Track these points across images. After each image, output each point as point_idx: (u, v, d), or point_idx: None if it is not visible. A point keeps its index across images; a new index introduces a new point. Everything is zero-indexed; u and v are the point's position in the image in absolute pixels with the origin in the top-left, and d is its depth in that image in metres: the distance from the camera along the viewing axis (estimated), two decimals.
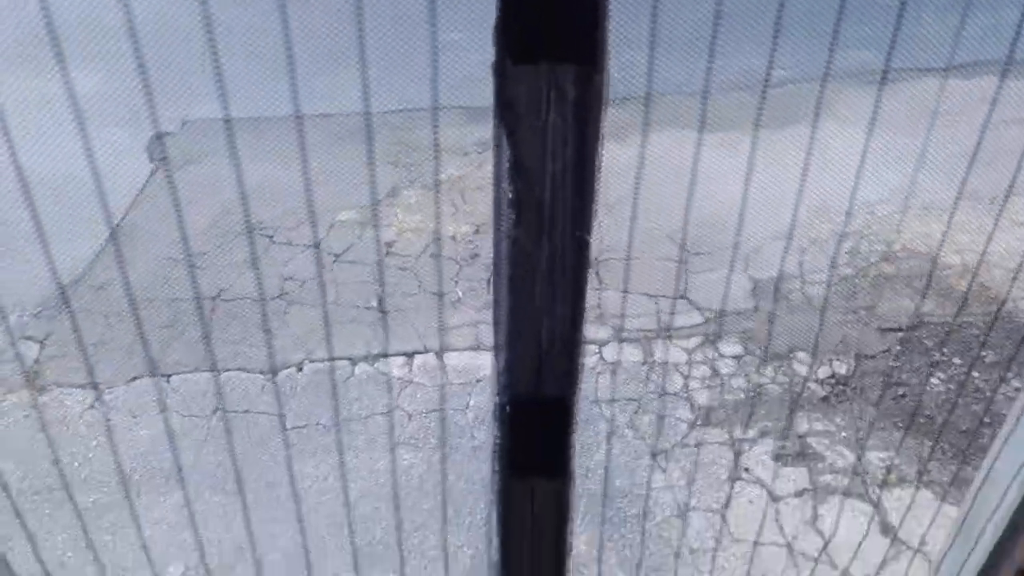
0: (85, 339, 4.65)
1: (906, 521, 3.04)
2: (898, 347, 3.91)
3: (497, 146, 0.72)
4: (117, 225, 5.61)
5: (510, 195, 0.71)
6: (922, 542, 2.88)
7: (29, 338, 4.73)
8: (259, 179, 5.67)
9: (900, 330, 4.04)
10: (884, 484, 3.21)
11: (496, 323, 0.76)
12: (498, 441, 0.76)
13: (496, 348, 0.75)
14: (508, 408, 0.74)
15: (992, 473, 0.97)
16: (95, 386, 4.39)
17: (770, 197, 4.93)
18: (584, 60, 0.67)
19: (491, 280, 0.79)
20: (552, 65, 0.68)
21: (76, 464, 3.92)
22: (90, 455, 3.95)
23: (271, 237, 5.39)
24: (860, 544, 2.92)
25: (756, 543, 3.05)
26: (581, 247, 0.75)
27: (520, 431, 0.74)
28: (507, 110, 0.69)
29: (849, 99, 6.10)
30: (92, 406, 4.26)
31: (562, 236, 0.74)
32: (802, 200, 4.80)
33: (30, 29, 7.62)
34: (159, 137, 6.54)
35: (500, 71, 0.69)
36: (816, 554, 2.95)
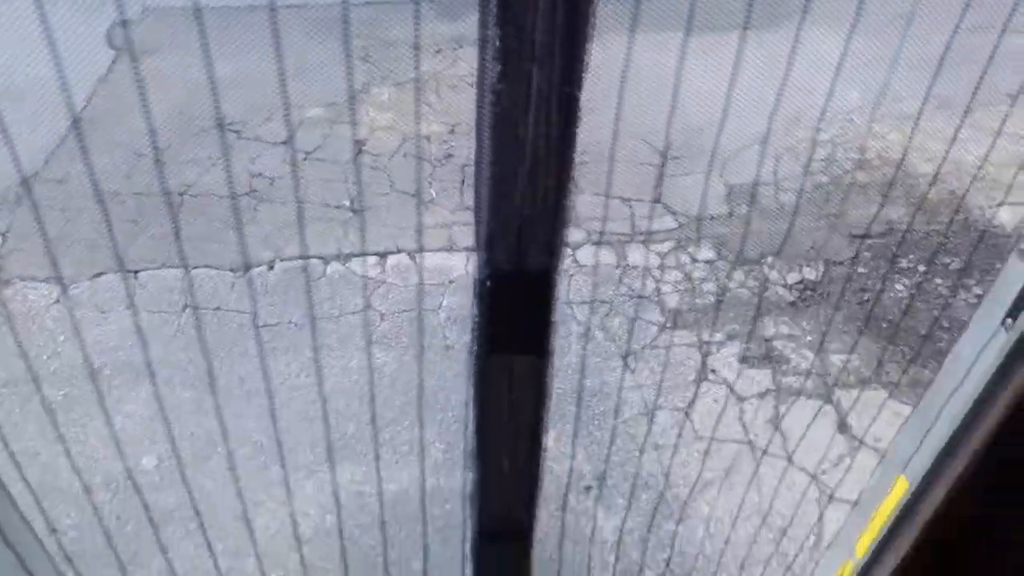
0: (47, 233, 4.54)
1: (862, 419, 3.15)
2: (866, 254, 3.96)
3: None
4: (76, 117, 5.41)
5: (496, 43, 0.67)
6: (876, 439, 3.00)
7: None
8: (225, 73, 5.46)
9: (869, 237, 4.08)
10: (844, 385, 3.31)
11: (478, 194, 0.73)
12: (477, 318, 0.75)
13: (477, 220, 0.73)
14: (488, 283, 0.72)
15: (953, 360, 0.98)
16: (59, 280, 4.31)
17: (748, 103, 4.86)
18: None
19: (475, 159, 0.76)
20: None
21: (45, 357, 3.89)
22: (58, 349, 3.92)
23: (238, 132, 5.24)
24: (817, 440, 3.03)
25: (718, 440, 3.15)
26: (570, 105, 0.71)
27: (500, 306, 0.72)
28: None
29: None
30: (58, 300, 4.20)
31: (550, 92, 0.70)
32: (780, 107, 4.75)
33: None
34: (121, 24, 6.24)
35: None
36: (775, 450, 3.06)
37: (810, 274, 3.93)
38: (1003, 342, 0.86)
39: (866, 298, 3.80)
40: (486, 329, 0.74)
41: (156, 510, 3.06)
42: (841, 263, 3.96)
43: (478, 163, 0.73)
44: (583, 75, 0.71)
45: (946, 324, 3.55)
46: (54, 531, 2.98)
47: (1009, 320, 0.85)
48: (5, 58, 5.12)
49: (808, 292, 3.83)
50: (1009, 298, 0.85)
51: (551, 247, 0.75)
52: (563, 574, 2.73)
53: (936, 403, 1.00)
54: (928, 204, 4.20)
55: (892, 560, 1.06)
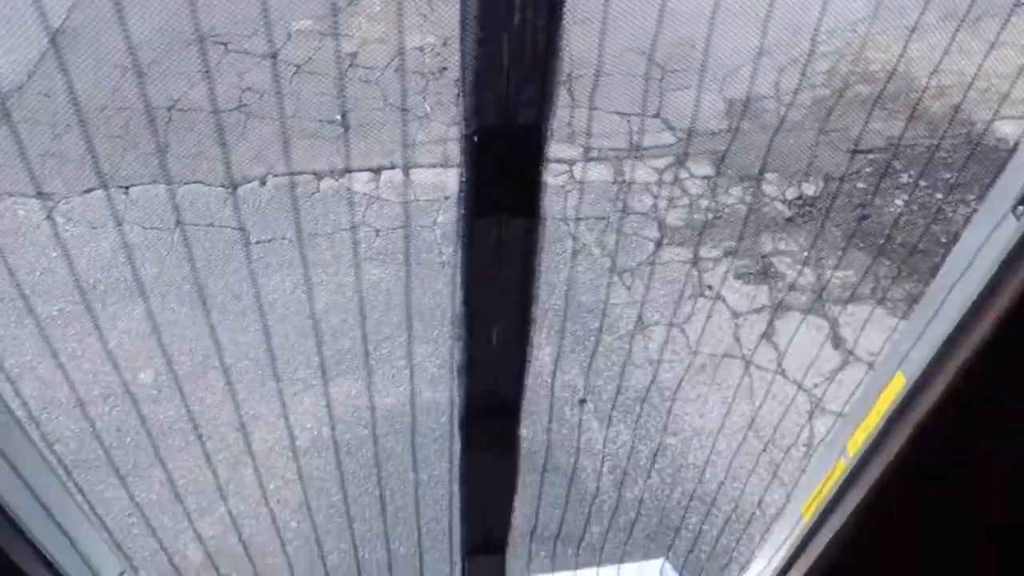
0: (34, 149, 4.45)
1: (857, 334, 3.16)
2: (866, 169, 3.91)
3: None
4: (58, 29, 5.24)
5: None
6: (870, 353, 3.01)
7: None
8: None
9: (869, 152, 4.02)
10: (839, 300, 3.31)
11: (464, 44, 0.69)
12: (464, 177, 0.71)
13: (463, 68, 0.69)
14: (475, 138, 0.68)
15: (958, 250, 0.95)
16: (49, 196, 4.25)
17: (750, 14, 4.71)
18: None
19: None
20: None
21: (37, 274, 3.86)
22: (51, 265, 3.90)
23: (225, 45, 5.09)
24: (810, 355, 3.04)
25: (713, 355, 3.16)
26: None
27: (488, 163, 0.69)
28: None
29: None
30: (48, 217, 4.15)
31: None
32: (781, 18, 4.61)
33: None
34: None
35: None
36: (768, 365, 3.08)
37: (808, 190, 3.88)
38: (1012, 230, 0.83)
39: (864, 214, 3.76)
40: (474, 188, 0.71)
41: (154, 423, 3.09)
42: (840, 178, 3.91)
43: (464, 13, 0.68)
44: None
45: (943, 239, 3.53)
46: (45, 443, 3.02)
47: (1020, 207, 0.82)
48: None
49: (806, 208, 3.79)
50: (1019, 184, 0.82)
51: (541, 100, 0.71)
52: (555, 484, 2.78)
53: (938, 295, 0.98)
54: (930, 118, 4.12)
55: (885, 458, 1.06)
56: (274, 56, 5.10)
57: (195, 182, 4.28)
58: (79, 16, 5.36)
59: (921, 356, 1.01)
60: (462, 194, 0.71)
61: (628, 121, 4.34)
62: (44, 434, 3.07)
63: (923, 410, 1.01)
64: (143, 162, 4.38)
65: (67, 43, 5.23)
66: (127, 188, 4.25)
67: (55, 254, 3.98)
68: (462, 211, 0.72)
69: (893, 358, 1.10)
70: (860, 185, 3.87)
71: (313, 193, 4.23)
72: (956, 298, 0.93)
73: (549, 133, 0.74)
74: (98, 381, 3.31)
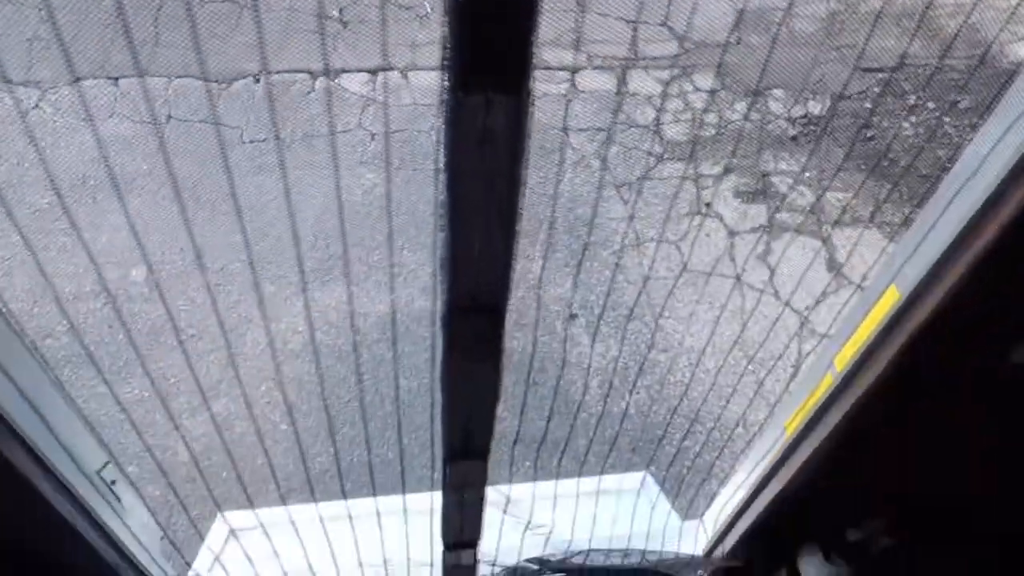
0: (20, 33, 4.31)
1: (854, 260, 3.15)
2: (876, 89, 3.81)
3: None
4: None
5: None
6: (868, 279, 3.00)
7: None
8: None
9: (881, 71, 3.91)
10: (839, 224, 3.28)
11: None
12: (446, 48, 0.67)
13: None
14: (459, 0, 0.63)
15: (964, 159, 0.91)
16: (35, 84, 4.13)
17: None
18: None
19: None
20: None
21: (26, 165, 3.80)
22: (40, 157, 3.83)
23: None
24: (806, 278, 3.04)
25: (708, 274, 3.15)
26: None
27: (471, 30, 0.64)
28: None
29: None
30: (37, 105, 4.05)
31: None
32: None
33: None
34: None
35: None
36: (763, 286, 3.07)
37: (815, 108, 3.80)
38: (1018, 143, 0.79)
39: (871, 135, 3.69)
40: (457, 60, 0.66)
41: (145, 322, 3.10)
42: (848, 97, 3.82)
43: None
44: None
45: (948, 164, 3.46)
46: (37, 337, 3.03)
47: None
48: None
49: (811, 127, 3.71)
50: None
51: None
52: (542, 395, 2.81)
53: (937, 207, 0.94)
54: (945, 37, 3.99)
55: (872, 373, 1.04)
56: None
57: (187, 76, 4.16)
58: None
59: (915, 271, 0.98)
60: (445, 64, 0.66)
61: (633, 28, 4.20)
62: (37, 327, 3.08)
63: (915, 325, 0.99)
64: (134, 52, 4.24)
65: None
66: (116, 79, 4.13)
67: (44, 144, 3.90)
68: (444, 85, 0.67)
69: (886, 273, 1.07)
70: (867, 105, 3.78)
71: (308, 92, 4.12)
72: (954, 213, 0.90)
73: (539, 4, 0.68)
74: (89, 277, 3.30)
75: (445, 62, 0.70)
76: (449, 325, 0.93)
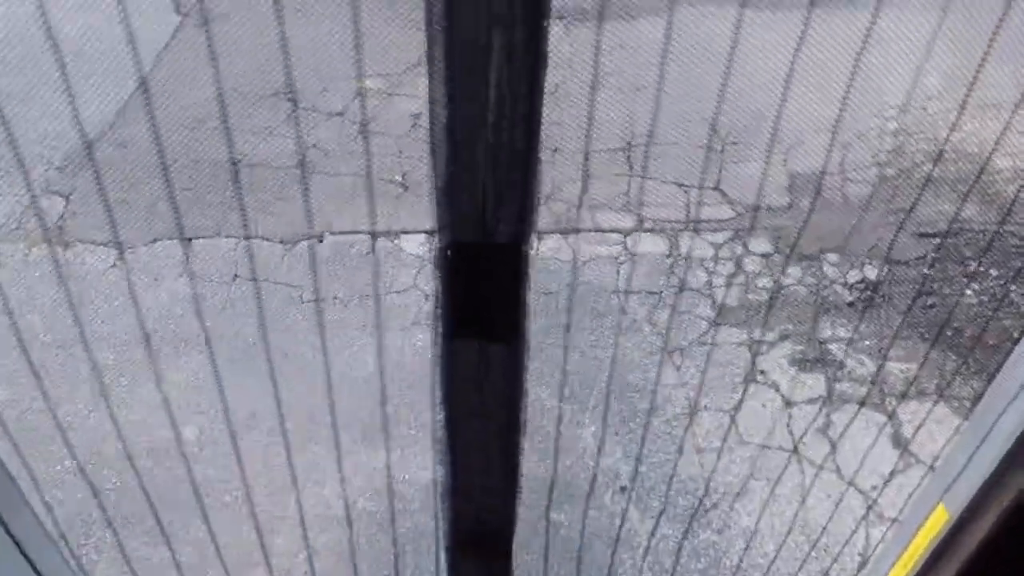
0: (108, 197, 4.62)
1: (920, 435, 2.99)
2: (934, 254, 3.75)
3: None
4: (143, 80, 5.47)
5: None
6: (935, 457, 2.85)
7: (55, 192, 4.72)
8: (293, 40, 5.45)
9: (938, 236, 3.87)
10: (902, 396, 3.15)
11: (434, 151, 0.65)
12: (439, 296, 0.66)
13: (436, 183, 0.64)
14: (450, 253, 0.63)
15: (1011, 368, 0.85)
16: (117, 245, 4.39)
17: (813, 85, 4.63)
18: None
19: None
20: None
21: (99, 322, 3.97)
22: (111, 313, 4.00)
23: (295, 103, 5.24)
24: (869, 454, 2.89)
25: (764, 446, 3.03)
26: (536, 55, 0.60)
27: (464, 282, 0.63)
28: None
29: None
30: (114, 265, 4.28)
31: (511, 46, 0.60)
32: (849, 91, 4.52)
33: None
34: None
35: None
36: (823, 462, 2.94)
37: (872, 273, 3.74)
38: None
39: (931, 303, 3.60)
40: (450, 309, 0.66)
41: (194, 481, 3.11)
42: (906, 263, 3.77)
43: (433, 123, 0.64)
44: (546, 25, 0.61)
45: (1018, 335, 3.34)
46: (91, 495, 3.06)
47: None
48: (79, 23, 5.19)
49: (869, 293, 3.65)
50: None
51: (520, 216, 0.65)
52: (591, 574, 2.68)
53: (987, 420, 0.88)
54: (1003, 202, 3.95)
55: None
56: (341, 114, 5.22)
57: (256, 237, 4.37)
58: (163, 68, 5.58)
59: (965, 491, 0.91)
60: (438, 311, 0.66)
61: (686, 192, 4.28)
62: (88, 485, 3.12)
63: (963, 555, 0.91)
64: (208, 215, 4.49)
65: (149, 93, 5.45)
66: (190, 240, 4.36)
67: (116, 302, 4.09)
68: (439, 331, 0.67)
69: (936, 487, 1.00)
70: (927, 271, 3.71)
71: (367, 252, 4.27)
72: (1005, 426, 0.83)
73: (530, 253, 0.69)
74: (144, 434, 3.35)
75: (438, 310, 0.70)
76: (454, 566, 0.90)
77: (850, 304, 3.61)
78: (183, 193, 4.62)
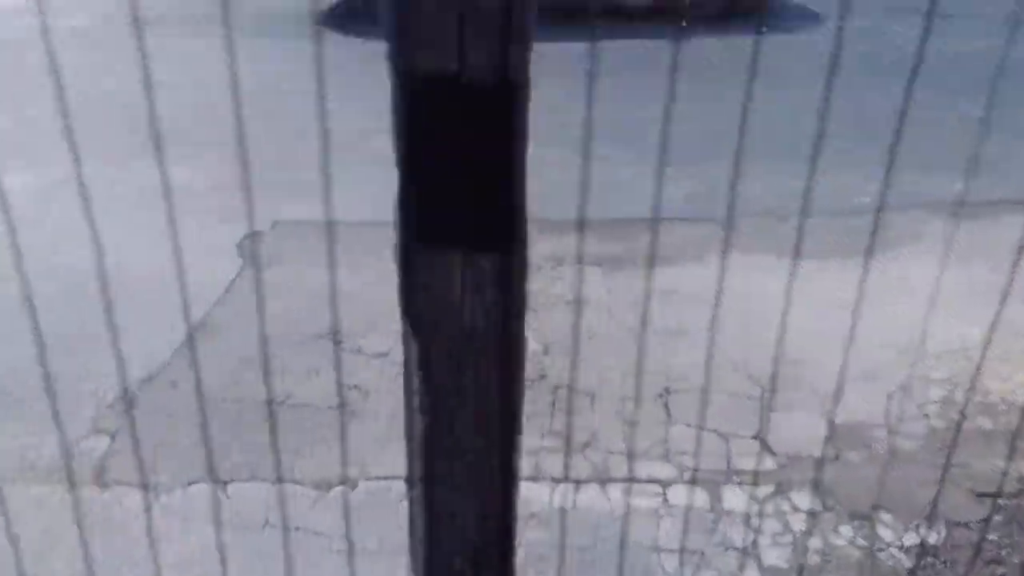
0: (151, 439, 4.71)
1: None
2: (997, 517, 3.53)
3: None
4: (199, 322, 5.75)
5: None
6: None
7: (101, 431, 4.83)
8: (344, 285, 5.77)
9: (999, 496, 3.66)
10: None
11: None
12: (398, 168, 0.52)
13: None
14: (402, 90, 0.49)
15: None
16: (154, 488, 4.40)
17: (858, 334, 4.65)
18: None
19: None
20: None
21: (124, 568, 3.89)
22: (138, 559, 3.93)
23: (340, 344, 5.42)
24: None
25: None
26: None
27: (429, 142, 0.49)
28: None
29: (940, 231, 5.82)
30: (148, 509, 4.27)
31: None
32: (889, 339, 4.52)
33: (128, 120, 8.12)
34: (251, 236, 6.76)
35: None
36: None
37: (930, 536, 3.52)
38: None
39: (1001, 572, 3.34)
40: (409, 195, 0.48)
41: None
42: (966, 525, 3.54)
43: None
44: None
45: None
46: None
47: None
48: (146, 265, 5.59)
49: (929, 559, 3.41)
50: None
51: (509, 40, 0.45)
52: None
53: None
54: None
55: None
56: (384, 355, 5.37)
57: (291, 481, 4.35)
58: (219, 310, 5.89)
59: None
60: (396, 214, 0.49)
61: (726, 441, 4.19)
62: None
63: None
64: (245, 457, 4.52)
65: (205, 335, 5.70)
66: (226, 484, 4.36)
67: (144, 550, 4.02)
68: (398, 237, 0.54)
69: None
70: (991, 536, 3.48)
71: (402, 500, 4.19)
72: None
73: (526, 101, 0.50)
74: None
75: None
76: None
77: (910, 572, 3.37)
78: (224, 433, 4.69)
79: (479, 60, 0.49)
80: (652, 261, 5.85)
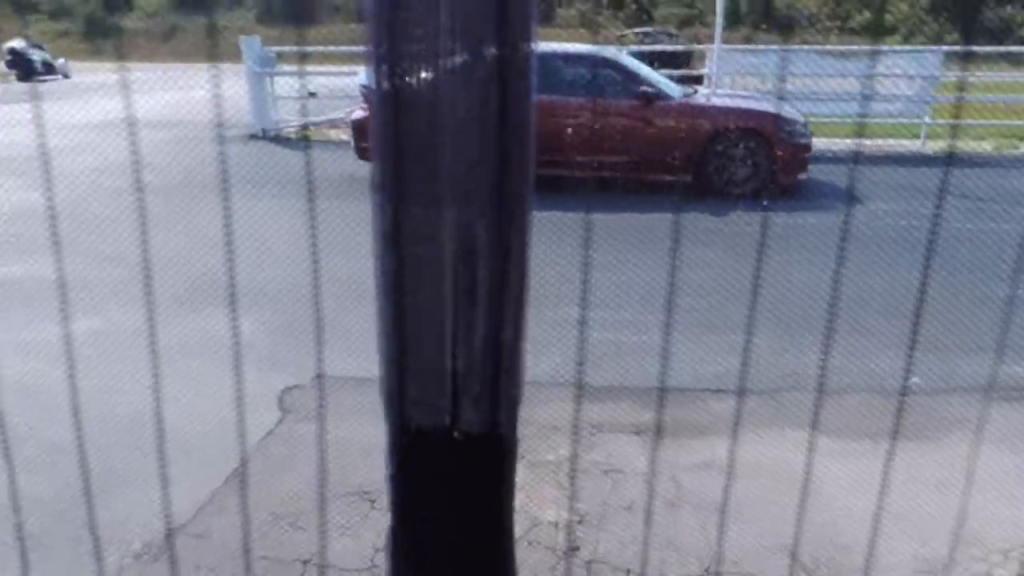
0: None
1: None
2: None
3: None
4: (233, 473, 5.73)
5: None
6: None
7: None
8: (377, 440, 5.74)
9: None
10: None
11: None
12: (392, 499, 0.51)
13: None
14: (401, 445, 0.50)
15: None
16: None
17: (904, 519, 4.47)
18: None
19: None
20: None
21: None
22: None
23: (373, 502, 5.33)
24: None
25: None
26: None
27: (425, 492, 0.49)
28: None
29: (995, 417, 5.66)
30: None
31: None
32: (943, 528, 4.29)
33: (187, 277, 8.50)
34: (292, 389, 6.84)
35: None
36: None
37: None
38: None
39: None
40: (400, 541, 0.49)
41: None
42: None
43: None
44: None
45: None
46: None
47: None
48: (186, 412, 5.66)
49: None
50: None
51: (499, 402, 0.44)
52: None
53: None
54: None
55: None
56: None
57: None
58: (257, 461, 5.88)
59: None
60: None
61: None
62: None
63: None
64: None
65: (238, 487, 5.66)
66: None
67: None
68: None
69: None
70: None
71: None
72: None
73: (515, 454, 0.54)
74: None
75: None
76: None
77: None
78: None
79: (471, 416, 0.57)
80: (692, 432, 5.75)
